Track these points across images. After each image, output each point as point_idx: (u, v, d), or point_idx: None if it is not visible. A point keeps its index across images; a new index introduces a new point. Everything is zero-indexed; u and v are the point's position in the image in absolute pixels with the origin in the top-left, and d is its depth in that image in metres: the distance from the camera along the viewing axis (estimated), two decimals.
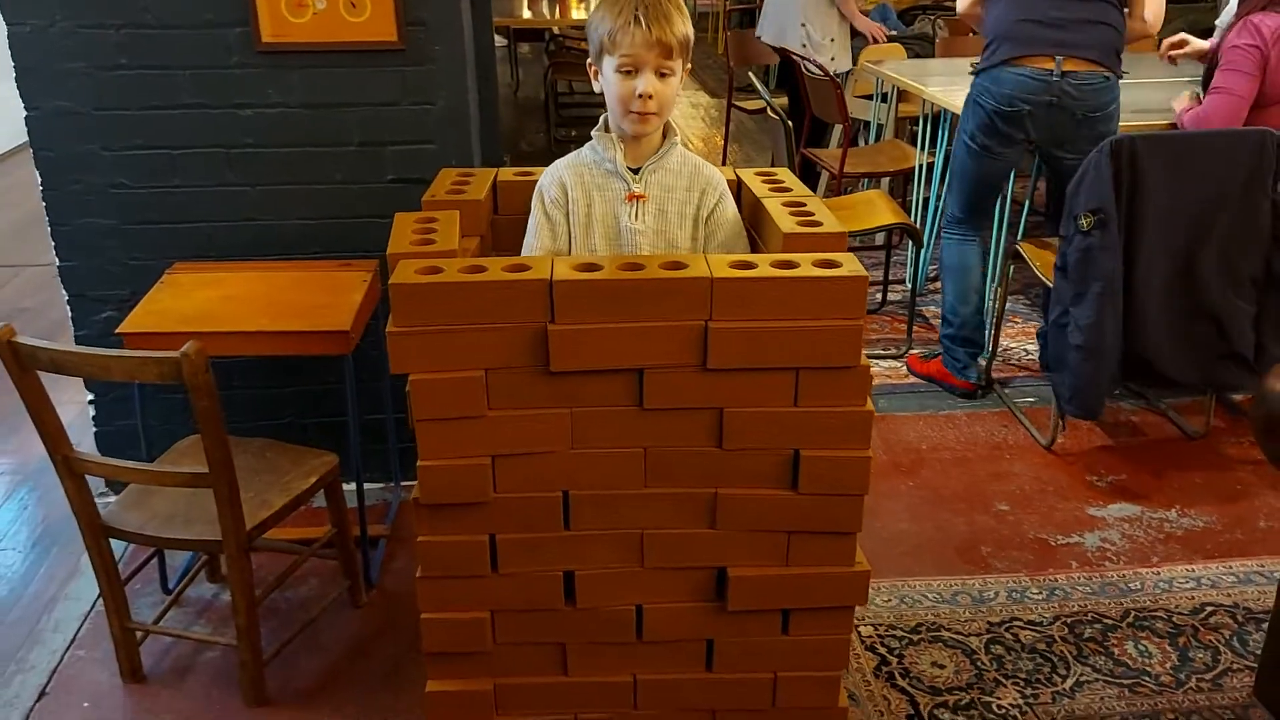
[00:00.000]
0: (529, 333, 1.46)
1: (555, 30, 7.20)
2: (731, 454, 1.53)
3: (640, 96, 1.66)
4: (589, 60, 1.75)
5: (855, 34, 4.84)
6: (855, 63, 4.70)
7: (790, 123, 3.43)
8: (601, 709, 1.67)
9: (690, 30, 1.69)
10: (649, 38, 1.62)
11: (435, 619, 1.60)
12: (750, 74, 4.14)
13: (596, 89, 1.76)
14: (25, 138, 2.44)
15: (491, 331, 1.46)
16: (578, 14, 6.55)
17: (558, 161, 1.82)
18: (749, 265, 1.49)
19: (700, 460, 1.54)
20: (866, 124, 4.85)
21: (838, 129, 5.28)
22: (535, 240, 1.79)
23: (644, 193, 1.74)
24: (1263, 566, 2.47)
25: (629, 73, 1.66)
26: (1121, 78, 2.94)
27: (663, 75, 1.67)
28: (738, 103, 5.61)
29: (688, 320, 1.47)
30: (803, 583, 1.60)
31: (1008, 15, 2.92)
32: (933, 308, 3.91)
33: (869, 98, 4.85)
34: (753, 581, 1.59)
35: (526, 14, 6.80)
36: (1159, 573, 2.46)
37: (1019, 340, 3.66)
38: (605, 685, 1.66)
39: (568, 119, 6.77)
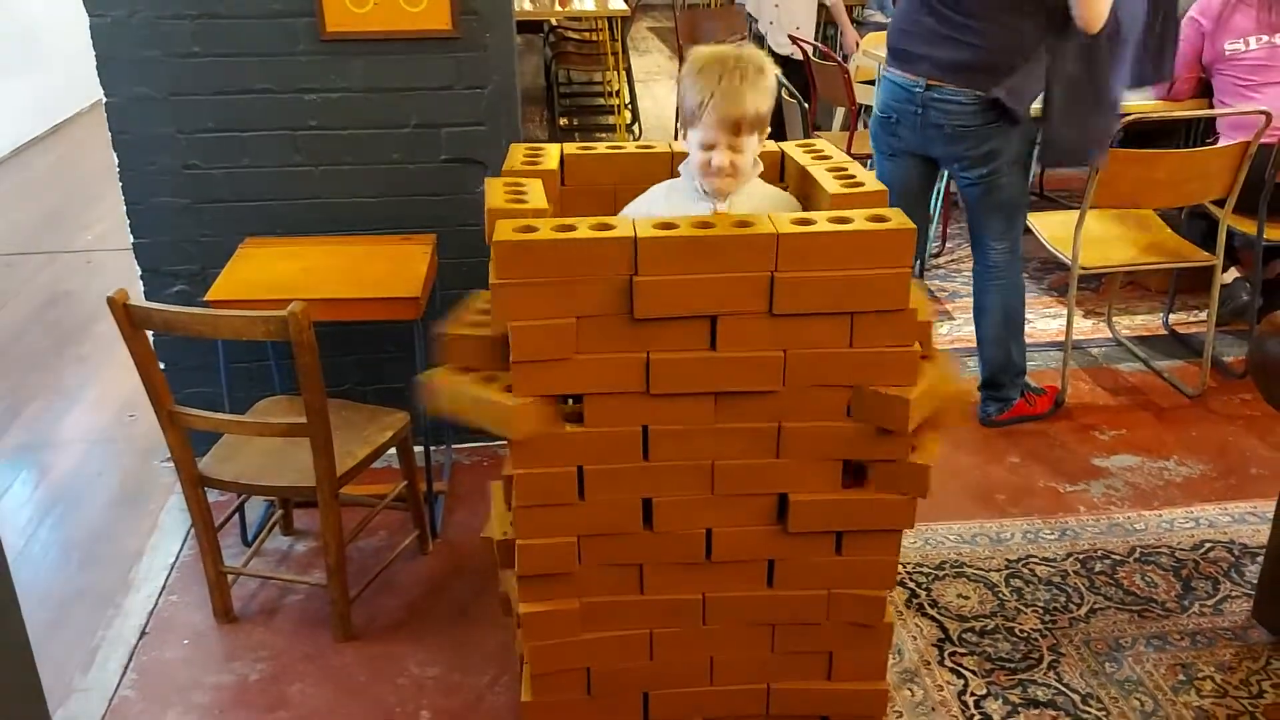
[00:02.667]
0: (615, 284, 1.64)
1: (554, 22, 7.35)
2: (794, 391, 1.72)
3: (715, 168, 1.83)
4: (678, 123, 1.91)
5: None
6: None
7: (806, 105, 3.62)
8: (674, 624, 1.86)
9: (766, 102, 1.81)
10: (724, 120, 1.78)
11: (529, 545, 1.78)
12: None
13: (681, 145, 1.92)
14: (44, 128, 2.60)
15: (581, 283, 1.64)
16: (579, 4, 6.71)
17: (656, 188, 1.98)
18: (808, 221, 1.68)
19: (765, 396, 1.72)
20: (868, 107, 5.05)
21: (839, 112, 5.49)
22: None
23: (728, 211, 1.87)
24: (1255, 508, 2.68)
25: (707, 146, 1.82)
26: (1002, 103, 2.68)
27: (736, 149, 1.82)
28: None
29: (756, 271, 1.65)
30: (855, 507, 1.79)
31: (895, 21, 2.90)
32: (937, 282, 4.12)
33: (870, 83, 5.05)
34: (811, 505, 1.78)
35: (527, 5, 6.95)
36: (1161, 515, 2.67)
37: None
38: (677, 602, 1.84)
39: (568, 108, 6.94)
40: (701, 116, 1.80)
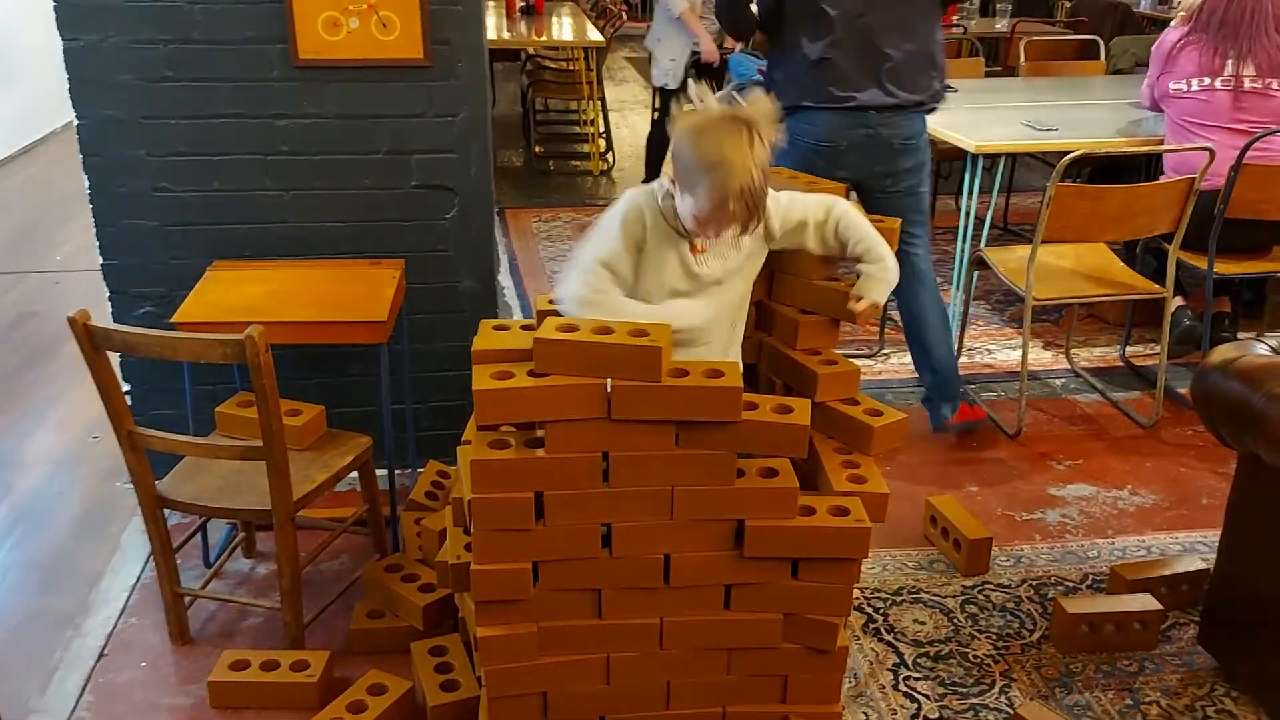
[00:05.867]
0: None
1: (531, 51, 7.43)
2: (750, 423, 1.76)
3: (707, 240, 1.85)
4: (668, 174, 1.84)
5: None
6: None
7: None
8: (631, 648, 1.88)
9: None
10: (728, 225, 1.79)
11: (485, 570, 1.80)
12: (731, 93, 4.40)
13: (670, 190, 1.86)
14: (16, 148, 2.61)
15: None
16: (556, 34, 6.80)
17: (642, 194, 1.92)
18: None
19: (725, 426, 1.75)
20: None
21: None
22: (606, 258, 1.90)
23: (704, 246, 1.90)
24: (1204, 537, 2.74)
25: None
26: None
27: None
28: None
29: None
30: (811, 534, 1.82)
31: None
32: (896, 313, 4.17)
33: None
34: (767, 531, 1.81)
35: (505, 34, 7.02)
36: (1113, 543, 2.72)
37: (981, 340, 3.94)
38: (635, 627, 1.86)
39: (543, 136, 7.01)
40: (705, 221, 1.78)
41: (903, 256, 2.92)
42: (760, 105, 1.81)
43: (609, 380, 1.71)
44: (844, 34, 2.83)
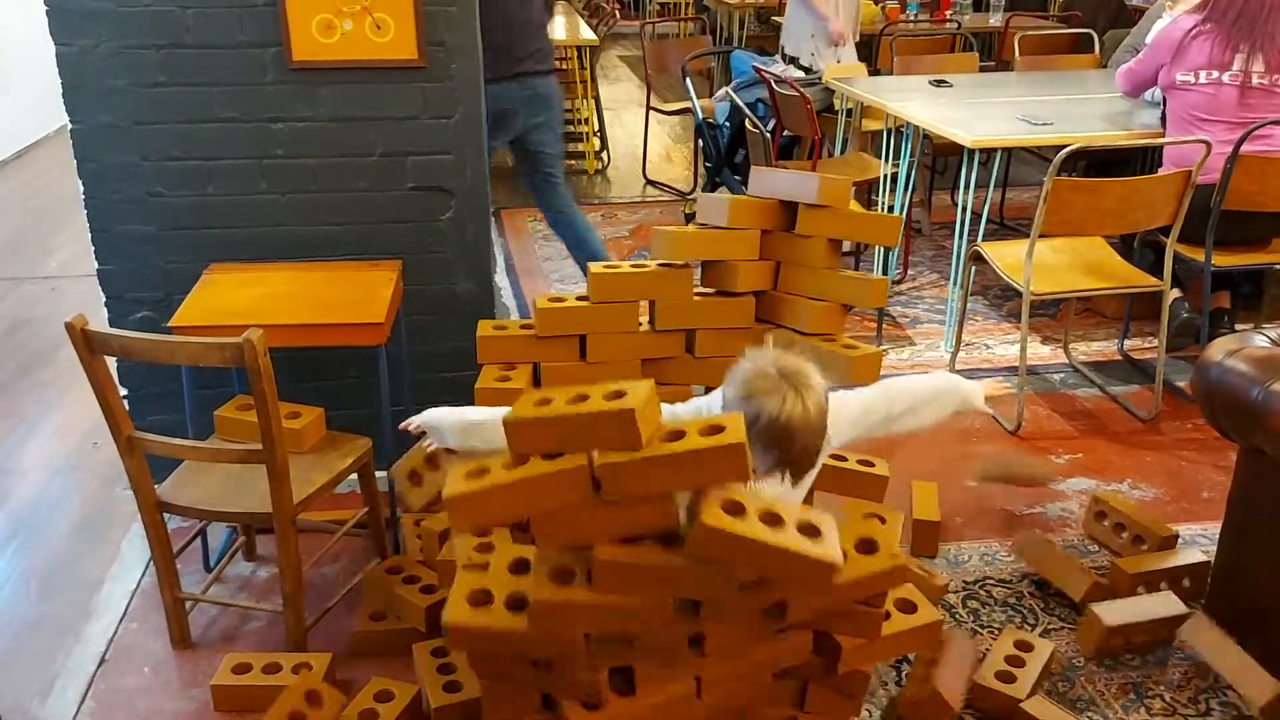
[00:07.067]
0: None
1: None
2: None
3: None
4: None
5: None
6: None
7: (768, 135, 3.69)
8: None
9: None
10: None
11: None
12: (729, 90, 4.41)
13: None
14: (8, 153, 2.60)
15: None
16: (550, 33, 6.78)
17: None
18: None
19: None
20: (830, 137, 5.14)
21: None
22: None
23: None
24: (1205, 530, 2.74)
25: None
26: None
27: None
28: (655, 106, 6.07)
29: None
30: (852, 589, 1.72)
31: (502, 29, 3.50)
32: (899, 308, 4.18)
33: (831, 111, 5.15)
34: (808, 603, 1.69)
35: None
36: None
37: (979, 335, 3.94)
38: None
39: None
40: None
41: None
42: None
43: (592, 458, 1.53)
44: None
